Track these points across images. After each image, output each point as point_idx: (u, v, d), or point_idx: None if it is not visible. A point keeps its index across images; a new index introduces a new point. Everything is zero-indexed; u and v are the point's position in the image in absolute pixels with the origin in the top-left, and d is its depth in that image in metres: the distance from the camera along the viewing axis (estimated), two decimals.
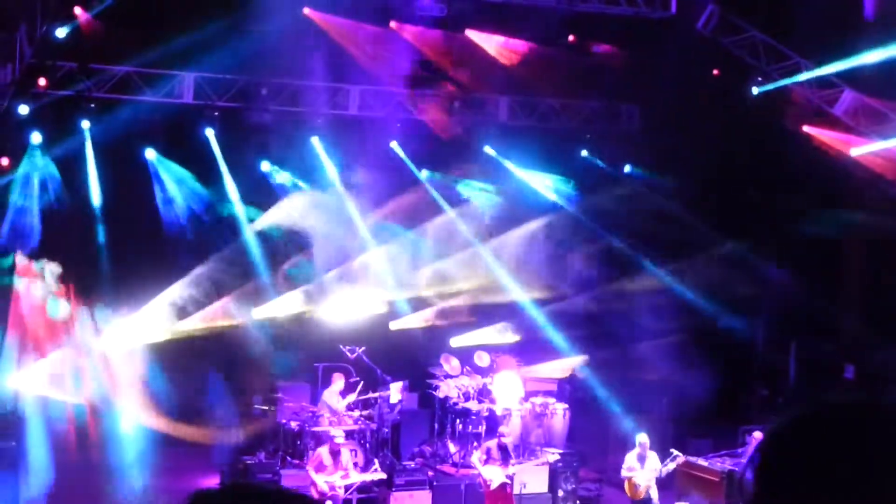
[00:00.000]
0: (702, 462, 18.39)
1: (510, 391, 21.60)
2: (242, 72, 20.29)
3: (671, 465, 17.70)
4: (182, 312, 21.09)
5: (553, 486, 19.84)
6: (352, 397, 20.01)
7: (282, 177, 22.34)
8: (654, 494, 17.49)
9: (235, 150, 21.55)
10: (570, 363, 22.66)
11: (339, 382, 20.07)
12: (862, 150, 20.51)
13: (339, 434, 17.89)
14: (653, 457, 17.65)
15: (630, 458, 17.70)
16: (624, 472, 17.68)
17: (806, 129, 20.81)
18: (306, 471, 17.50)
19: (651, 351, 21.67)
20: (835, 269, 22.70)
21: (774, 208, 21.62)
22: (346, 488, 17.44)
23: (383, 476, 18.40)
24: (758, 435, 18.13)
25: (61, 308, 20.19)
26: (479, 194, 23.64)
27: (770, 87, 20.53)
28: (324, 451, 17.46)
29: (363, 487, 18.13)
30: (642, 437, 17.81)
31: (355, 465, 18.05)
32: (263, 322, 21.63)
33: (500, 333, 23.23)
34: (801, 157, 20.63)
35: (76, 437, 19.38)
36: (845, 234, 22.10)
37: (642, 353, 21.80)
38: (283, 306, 21.82)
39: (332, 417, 19.52)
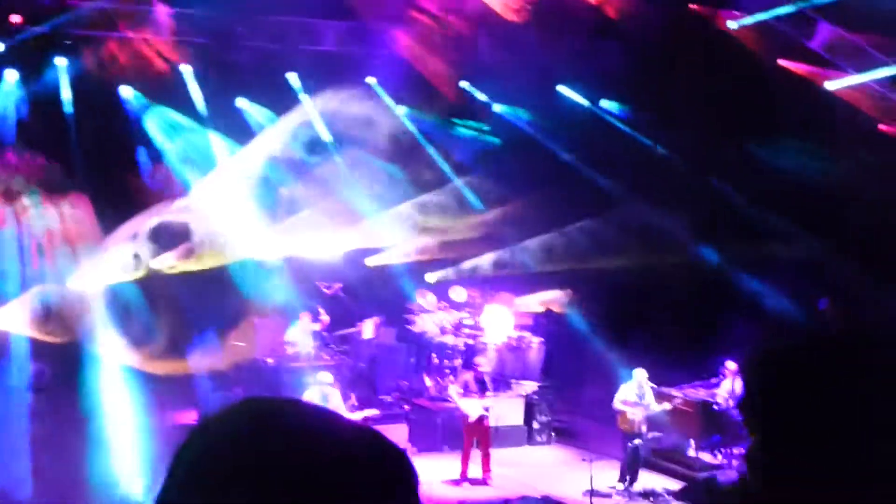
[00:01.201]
0: (677, 393, 18.63)
1: (499, 324, 21.92)
2: (219, 9, 20.24)
3: (666, 406, 17.87)
4: (159, 250, 21.15)
5: (528, 419, 20.28)
6: (316, 326, 20.18)
7: (259, 113, 22.35)
8: (645, 428, 17.73)
9: (212, 87, 21.53)
10: (547, 298, 22.87)
11: (304, 320, 20.25)
12: (837, 83, 20.59)
13: (327, 378, 17.82)
14: (649, 392, 17.85)
15: (626, 392, 17.84)
16: (618, 405, 17.80)
17: (782, 63, 20.85)
18: None
19: (630, 286, 21.86)
20: (810, 207, 22.83)
21: (751, 143, 21.71)
22: None
23: (376, 413, 18.57)
24: (731, 365, 18.39)
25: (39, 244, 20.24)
26: (469, 133, 23.71)
27: (747, 21, 20.53)
28: (313, 394, 17.39)
29: None
30: (640, 372, 17.92)
31: (351, 407, 18.14)
32: (240, 260, 21.70)
33: (479, 268, 23.44)
34: (777, 91, 20.70)
35: (52, 375, 19.44)
36: (821, 168, 22.19)
37: (621, 287, 21.96)
38: (259, 244, 21.85)
39: (306, 354, 19.73)
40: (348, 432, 1.64)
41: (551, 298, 22.96)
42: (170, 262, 21.23)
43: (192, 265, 21.23)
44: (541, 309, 23.05)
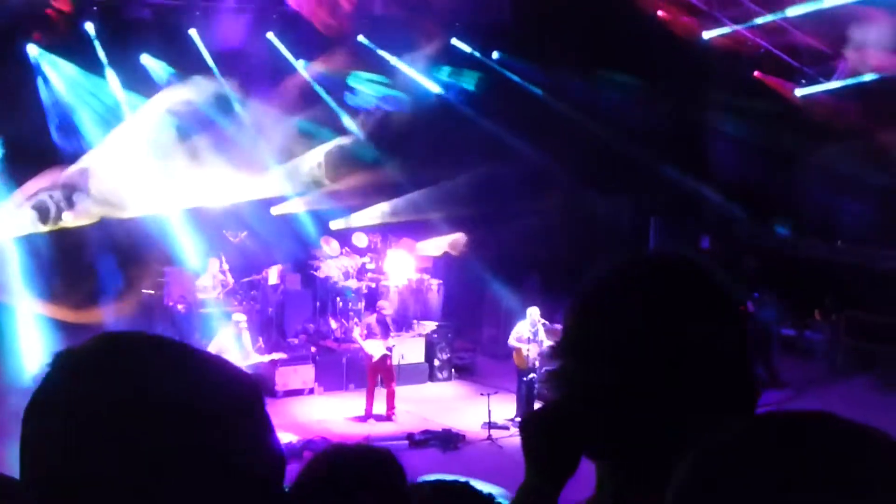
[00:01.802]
0: None
1: (400, 268, 22.71)
2: None
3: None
4: (66, 205, 21.49)
5: (429, 356, 20.91)
6: (220, 280, 20.79)
7: (162, 69, 22.65)
8: (538, 364, 18.18)
9: (116, 45, 21.83)
10: (445, 241, 23.68)
11: (213, 265, 20.83)
12: (714, 32, 21.65)
13: (241, 318, 18.44)
14: (542, 330, 18.26)
15: (521, 329, 18.28)
16: (513, 342, 18.26)
17: (660, 13, 21.75)
18: None
19: (523, 229, 22.74)
20: (694, 150, 23.93)
21: (634, 91, 22.66)
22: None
23: (284, 356, 19.30)
24: None
25: None
26: (366, 85, 24.25)
27: None
28: (227, 334, 17.87)
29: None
30: (534, 311, 18.36)
31: (259, 349, 18.88)
32: (147, 212, 21.98)
33: (380, 215, 24.17)
34: (656, 41, 21.62)
35: None
36: (702, 113, 23.30)
37: (514, 231, 22.84)
38: (165, 196, 22.16)
39: (215, 299, 20.33)
40: (200, 362, 1.59)
41: (450, 242, 23.78)
42: (77, 216, 21.45)
43: (98, 218, 21.50)
44: (440, 253, 23.82)
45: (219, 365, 1.61)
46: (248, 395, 1.60)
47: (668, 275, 2.00)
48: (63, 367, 1.55)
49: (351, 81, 24.09)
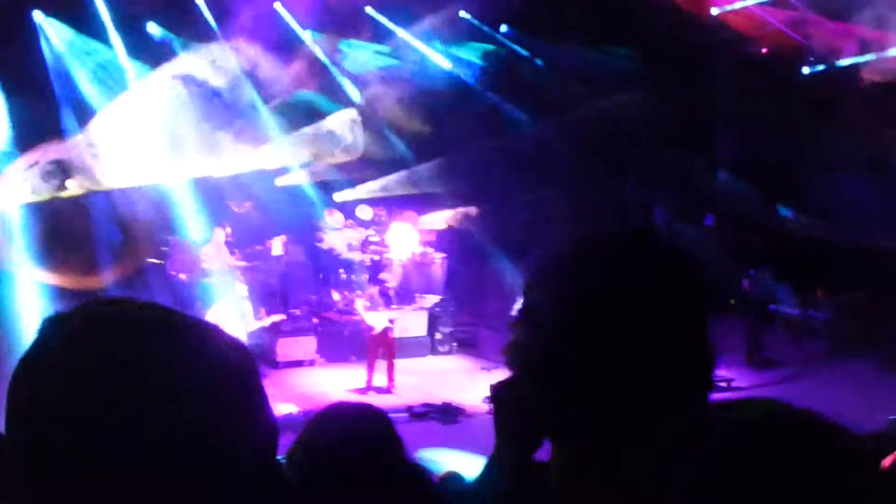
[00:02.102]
0: None
1: (404, 241, 22.71)
2: None
3: None
4: (72, 171, 21.47)
5: (431, 330, 20.95)
6: (226, 250, 20.80)
7: (169, 39, 22.55)
8: None
9: (123, 13, 21.75)
10: (450, 215, 23.67)
11: (218, 235, 20.83)
12: (721, 9, 21.58)
13: (242, 288, 18.45)
14: None
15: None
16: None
17: None
18: None
19: (529, 205, 22.76)
20: (697, 131, 23.91)
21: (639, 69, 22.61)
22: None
23: (283, 317, 19.29)
24: None
25: None
26: (370, 56, 24.17)
27: None
28: (227, 303, 17.90)
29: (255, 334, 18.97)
30: None
31: (259, 318, 18.93)
32: (151, 182, 21.95)
33: (385, 188, 24.12)
34: (662, 18, 21.56)
35: None
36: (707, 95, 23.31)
37: (520, 206, 22.86)
38: (170, 165, 22.06)
39: (219, 269, 20.34)
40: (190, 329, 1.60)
41: (454, 216, 23.75)
42: (80, 184, 21.46)
43: (102, 186, 21.49)
44: (444, 226, 23.79)
45: (211, 334, 1.60)
46: (240, 365, 1.59)
47: (624, 247, 1.97)
48: (53, 334, 1.56)
49: (354, 50, 24.00)
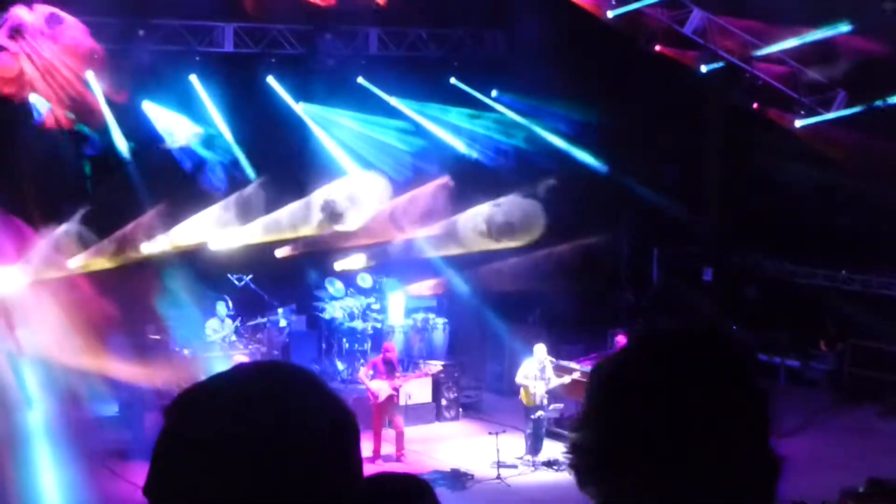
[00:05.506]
0: (574, 365, 19.48)
1: (399, 308, 22.78)
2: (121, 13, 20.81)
3: (566, 379, 18.59)
4: (69, 251, 21.42)
5: (436, 396, 20.95)
6: (229, 323, 20.82)
7: (163, 114, 22.68)
8: (545, 401, 18.47)
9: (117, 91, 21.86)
10: (441, 281, 23.67)
11: (220, 310, 20.88)
12: (710, 67, 21.76)
13: (244, 360, 18.36)
14: (550, 367, 18.58)
15: (528, 367, 18.51)
16: (520, 380, 18.48)
17: (658, 48, 21.87)
18: None
19: (522, 264, 22.88)
20: (693, 182, 24.09)
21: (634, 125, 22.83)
22: None
23: None
24: (620, 338, 19.30)
25: None
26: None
27: (623, 10, 21.40)
28: None
29: None
30: (540, 348, 18.63)
31: None
32: (152, 255, 22.03)
33: (383, 255, 24.14)
34: (655, 74, 21.81)
35: None
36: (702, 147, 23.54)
37: (513, 267, 22.95)
38: (172, 239, 22.21)
39: (223, 343, 20.37)
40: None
41: (446, 282, 23.72)
42: (82, 261, 21.44)
43: (103, 264, 21.52)
44: (438, 291, 23.79)
45: (332, 393, 1.87)
46: (354, 422, 1.87)
47: (690, 349, 1.99)
48: (207, 397, 1.81)
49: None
